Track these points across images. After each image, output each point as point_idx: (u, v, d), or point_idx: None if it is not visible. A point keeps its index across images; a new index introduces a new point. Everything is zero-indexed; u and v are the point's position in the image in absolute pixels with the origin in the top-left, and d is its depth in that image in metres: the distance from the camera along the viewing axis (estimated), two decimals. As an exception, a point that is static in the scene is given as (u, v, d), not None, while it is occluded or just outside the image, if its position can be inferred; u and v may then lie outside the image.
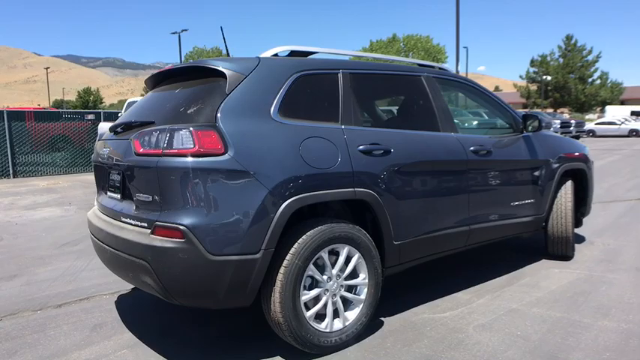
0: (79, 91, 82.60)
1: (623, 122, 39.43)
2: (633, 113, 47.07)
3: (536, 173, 4.16)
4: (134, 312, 3.52)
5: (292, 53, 3.22)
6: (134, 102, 11.34)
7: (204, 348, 2.91)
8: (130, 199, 2.73)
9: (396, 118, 3.41)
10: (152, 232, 2.47)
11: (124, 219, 2.73)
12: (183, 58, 48.39)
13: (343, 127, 2.92)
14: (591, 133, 34.22)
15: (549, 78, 47.14)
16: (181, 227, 2.38)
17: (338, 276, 2.81)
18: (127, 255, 2.58)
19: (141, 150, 2.58)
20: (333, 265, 2.79)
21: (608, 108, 52.15)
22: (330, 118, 2.93)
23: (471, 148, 3.60)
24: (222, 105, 2.55)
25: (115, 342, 2.99)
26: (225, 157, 2.43)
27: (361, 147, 2.92)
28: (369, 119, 3.45)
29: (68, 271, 4.54)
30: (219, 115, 2.52)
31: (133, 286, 3.97)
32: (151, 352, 2.84)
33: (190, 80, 2.88)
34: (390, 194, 3.00)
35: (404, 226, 3.11)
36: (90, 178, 12.69)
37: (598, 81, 49.27)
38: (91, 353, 2.85)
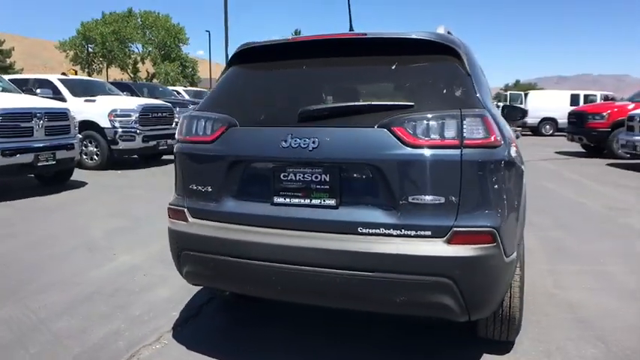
0: None
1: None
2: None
3: None
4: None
5: None
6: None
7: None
8: (367, 204, 2.14)
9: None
10: (449, 241, 2.01)
11: (366, 229, 2.09)
12: None
13: None
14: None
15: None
16: (490, 229, 2.04)
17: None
18: (402, 275, 2.02)
19: (417, 140, 2.04)
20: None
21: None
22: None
23: None
24: (474, 88, 2.22)
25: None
26: (503, 147, 2.16)
27: None
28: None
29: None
30: (479, 99, 2.20)
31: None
32: None
33: (393, 55, 2.33)
34: None
35: None
36: None
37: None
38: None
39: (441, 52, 2.30)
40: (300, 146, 2.16)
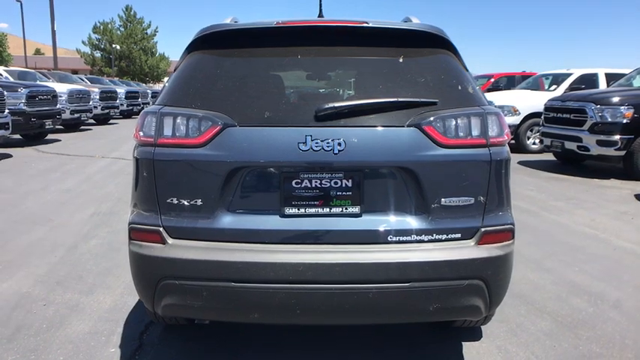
0: None
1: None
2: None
3: None
4: None
5: None
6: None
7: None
8: (396, 209, 1.99)
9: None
10: (479, 242, 1.98)
11: (396, 237, 1.94)
12: None
13: None
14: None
15: (118, 47, 47.05)
16: (510, 226, 2.08)
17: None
18: (437, 282, 1.93)
19: (448, 140, 1.94)
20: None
21: (167, 80, 57.31)
22: None
23: None
24: (475, 84, 2.20)
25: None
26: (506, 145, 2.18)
27: None
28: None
29: None
30: (484, 95, 2.19)
31: None
32: None
33: (393, 47, 2.15)
34: None
35: None
36: None
37: (158, 53, 52.94)
38: None
39: (439, 46, 2.23)
40: (324, 149, 1.89)
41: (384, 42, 2.17)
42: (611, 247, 4.35)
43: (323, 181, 1.96)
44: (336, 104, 1.95)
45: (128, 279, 3.47)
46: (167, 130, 1.98)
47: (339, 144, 1.90)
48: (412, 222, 1.98)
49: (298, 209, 1.96)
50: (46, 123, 11.41)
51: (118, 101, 19.16)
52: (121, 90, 20.97)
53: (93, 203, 5.78)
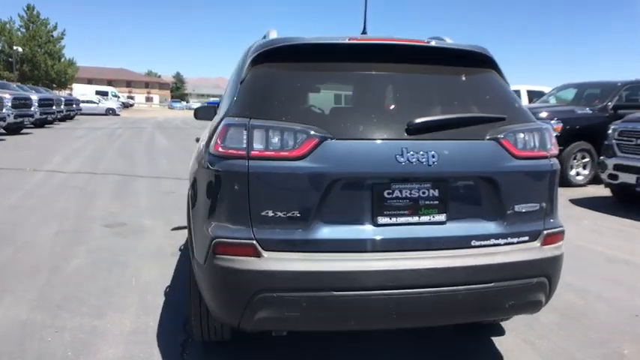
0: None
1: (100, 101, 42.84)
2: (98, 93, 51.04)
3: None
4: None
5: None
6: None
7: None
8: (476, 216, 2.17)
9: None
10: (542, 243, 2.23)
11: (478, 242, 2.12)
12: None
13: None
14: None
15: (21, 49, 43.20)
16: (563, 229, 2.35)
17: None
18: (514, 281, 2.13)
19: (521, 152, 2.18)
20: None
21: (75, 86, 53.82)
22: None
23: None
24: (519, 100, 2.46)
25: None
26: None
27: None
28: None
29: None
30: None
31: None
32: None
33: (449, 66, 2.38)
34: None
35: None
36: None
37: (65, 58, 49.48)
38: None
39: (488, 65, 2.46)
40: (419, 160, 2.02)
41: (444, 61, 2.39)
42: (573, 246, 4.86)
43: (412, 191, 2.08)
44: (427, 119, 2.10)
45: (137, 299, 3.32)
46: (259, 143, 1.98)
47: (433, 156, 2.04)
48: (492, 227, 2.17)
49: (390, 218, 2.06)
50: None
51: (32, 109, 17.66)
52: (34, 97, 19.32)
53: (51, 221, 5.36)
